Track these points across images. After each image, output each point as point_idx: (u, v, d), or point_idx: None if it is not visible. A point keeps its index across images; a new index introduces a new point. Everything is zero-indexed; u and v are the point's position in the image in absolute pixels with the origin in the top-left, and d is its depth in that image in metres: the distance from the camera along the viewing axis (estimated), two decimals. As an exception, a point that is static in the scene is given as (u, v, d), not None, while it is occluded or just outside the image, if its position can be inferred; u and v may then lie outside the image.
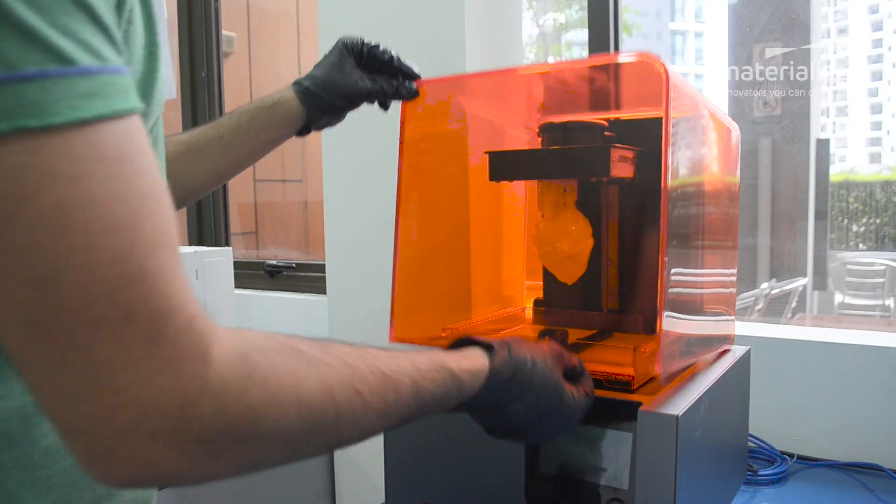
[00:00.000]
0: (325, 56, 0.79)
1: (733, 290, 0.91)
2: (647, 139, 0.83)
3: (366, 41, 0.78)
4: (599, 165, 0.74)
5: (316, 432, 0.40)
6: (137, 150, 0.34)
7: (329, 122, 0.80)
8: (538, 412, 0.58)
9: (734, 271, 0.91)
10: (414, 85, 0.78)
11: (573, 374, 0.63)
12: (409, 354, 0.49)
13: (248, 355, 0.36)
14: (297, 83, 0.78)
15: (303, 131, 0.79)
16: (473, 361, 0.55)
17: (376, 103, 0.81)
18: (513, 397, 0.56)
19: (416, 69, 0.79)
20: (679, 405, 0.64)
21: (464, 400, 0.54)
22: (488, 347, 0.57)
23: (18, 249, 0.31)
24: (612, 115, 0.87)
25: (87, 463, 0.34)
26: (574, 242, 0.80)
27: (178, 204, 0.79)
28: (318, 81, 0.77)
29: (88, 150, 0.32)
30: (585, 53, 0.96)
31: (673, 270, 0.67)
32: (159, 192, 0.35)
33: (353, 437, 0.44)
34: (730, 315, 0.89)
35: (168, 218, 0.35)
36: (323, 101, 0.76)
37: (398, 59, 0.79)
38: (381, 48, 0.78)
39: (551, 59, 0.90)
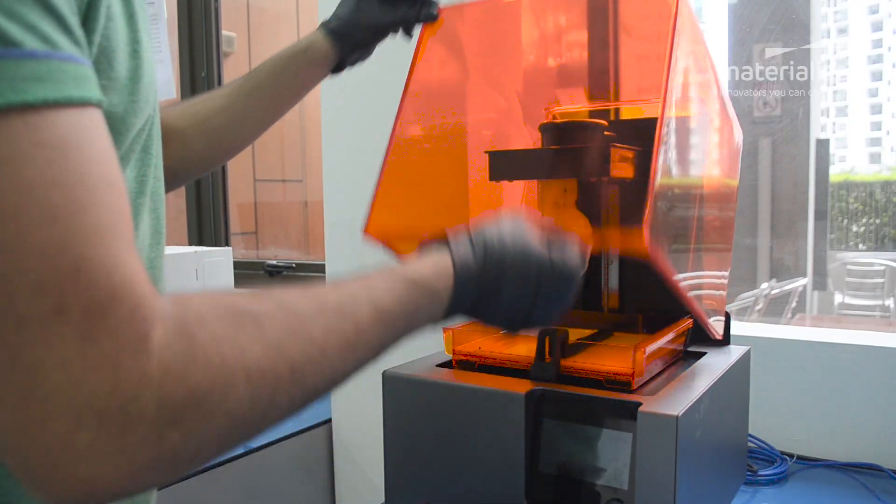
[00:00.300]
0: None
1: (723, 292, 0.90)
2: (648, 139, 0.83)
3: None
4: (599, 165, 0.74)
5: (275, 395, 0.36)
6: (89, 140, 0.32)
7: (360, 58, 0.84)
8: (534, 287, 0.52)
9: (726, 273, 0.91)
10: (433, 9, 0.81)
11: (553, 234, 0.57)
12: (363, 280, 0.44)
13: (187, 329, 0.33)
14: (323, 25, 0.81)
15: (336, 69, 0.83)
16: (435, 261, 0.49)
17: (400, 32, 0.84)
18: (495, 280, 0.51)
19: None
20: (679, 405, 0.64)
21: (445, 305, 0.49)
22: (443, 242, 0.52)
23: None
24: (612, 105, 0.87)
25: (28, 484, 0.30)
26: (574, 242, 0.80)
27: (228, 156, 0.82)
28: (344, 20, 0.80)
29: (29, 134, 0.30)
30: (585, 54, 0.96)
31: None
32: (110, 182, 0.32)
33: (324, 385, 0.40)
34: (720, 316, 0.89)
35: (119, 208, 0.33)
36: (351, 37, 0.80)
37: None
38: None
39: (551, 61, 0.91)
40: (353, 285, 0.43)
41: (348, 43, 0.80)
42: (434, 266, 0.49)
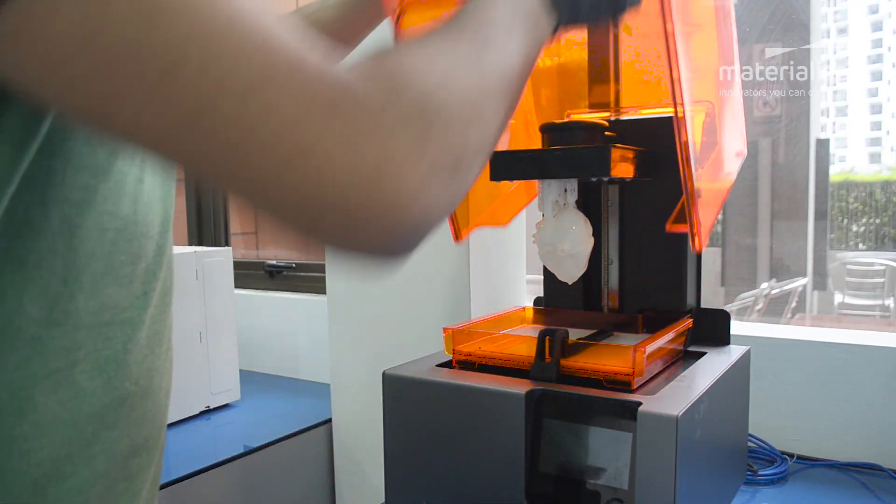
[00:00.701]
0: None
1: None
2: (649, 139, 0.83)
3: None
4: (600, 165, 0.74)
5: (482, 90, 0.40)
6: None
7: None
8: None
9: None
10: None
11: None
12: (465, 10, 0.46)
13: (383, 62, 0.36)
14: None
15: None
16: None
17: None
18: None
19: None
20: (679, 405, 0.64)
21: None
22: None
23: (128, 51, 0.29)
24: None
25: (354, 245, 0.34)
26: (574, 242, 0.80)
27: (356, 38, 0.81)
28: None
29: None
30: (584, 53, 0.97)
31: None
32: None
33: (508, 83, 0.43)
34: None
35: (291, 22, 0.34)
36: None
37: None
38: None
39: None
40: (461, 18, 0.44)
41: None
42: None
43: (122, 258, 0.46)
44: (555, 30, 0.51)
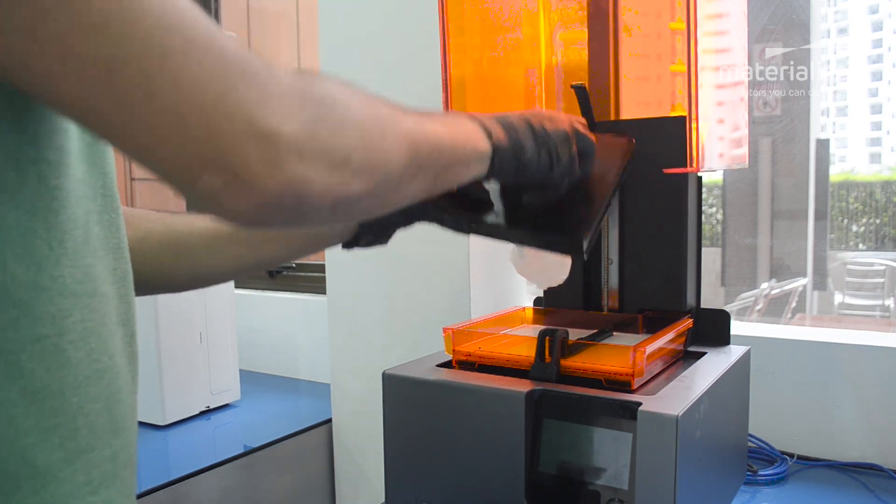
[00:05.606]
0: None
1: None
2: (649, 139, 0.83)
3: None
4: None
5: (383, 135, 0.43)
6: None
7: (376, 240, 0.75)
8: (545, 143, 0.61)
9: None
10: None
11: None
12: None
13: (301, 78, 0.40)
14: None
15: (349, 244, 0.74)
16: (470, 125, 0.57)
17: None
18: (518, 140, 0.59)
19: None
20: (679, 405, 0.64)
21: (489, 149, 0.56)
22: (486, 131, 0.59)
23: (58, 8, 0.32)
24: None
25: (226, 204, 0.37)
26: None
27: (228, 278, 0.72)
28: None
29: None
30: (584, 53, 0.96)
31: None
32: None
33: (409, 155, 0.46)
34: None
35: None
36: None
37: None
38: None
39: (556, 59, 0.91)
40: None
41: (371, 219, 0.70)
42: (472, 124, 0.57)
43: (97, 229, 0.46)
44: (491, 160, 0.57)
